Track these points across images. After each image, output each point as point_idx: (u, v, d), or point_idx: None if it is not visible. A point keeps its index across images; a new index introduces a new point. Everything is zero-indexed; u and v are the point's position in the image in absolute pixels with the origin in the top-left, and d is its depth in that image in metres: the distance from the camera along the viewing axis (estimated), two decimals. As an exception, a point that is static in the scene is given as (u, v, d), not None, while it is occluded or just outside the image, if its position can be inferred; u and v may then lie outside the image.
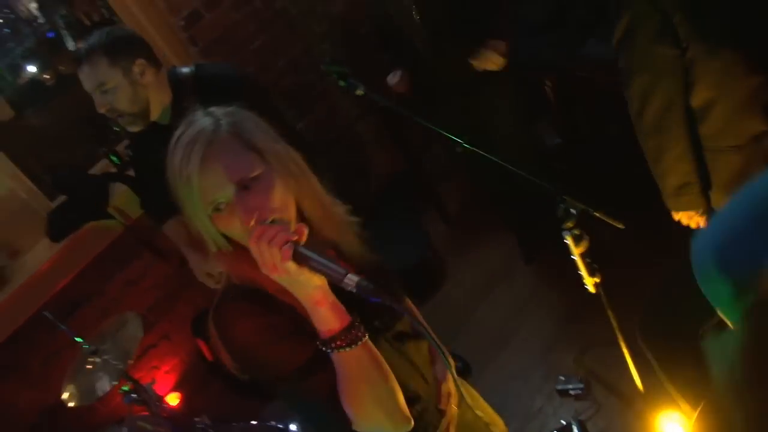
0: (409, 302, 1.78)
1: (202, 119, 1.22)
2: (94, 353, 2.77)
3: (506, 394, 2.97)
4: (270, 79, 3.75)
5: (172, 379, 3.82)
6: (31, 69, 6.28)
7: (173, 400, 3.62)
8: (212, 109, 1.26)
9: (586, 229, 1.96)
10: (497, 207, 3.61)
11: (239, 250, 1.22)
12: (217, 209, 1.18)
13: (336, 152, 4.12)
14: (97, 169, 3.70)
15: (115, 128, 3.73)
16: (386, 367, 1.24)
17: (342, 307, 1.18)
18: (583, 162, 3.29)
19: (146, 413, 3.14)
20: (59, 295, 3.37)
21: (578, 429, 2.63)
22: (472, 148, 1.96)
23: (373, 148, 4.27)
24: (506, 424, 2.78)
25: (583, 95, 2.63)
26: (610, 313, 2.18)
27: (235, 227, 1.19)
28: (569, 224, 1.97)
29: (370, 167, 4.28)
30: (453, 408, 1.70)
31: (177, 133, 1.21)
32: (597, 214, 1.97)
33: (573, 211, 1.96)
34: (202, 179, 1.15)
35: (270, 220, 1.16)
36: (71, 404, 2.71)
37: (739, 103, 1.81)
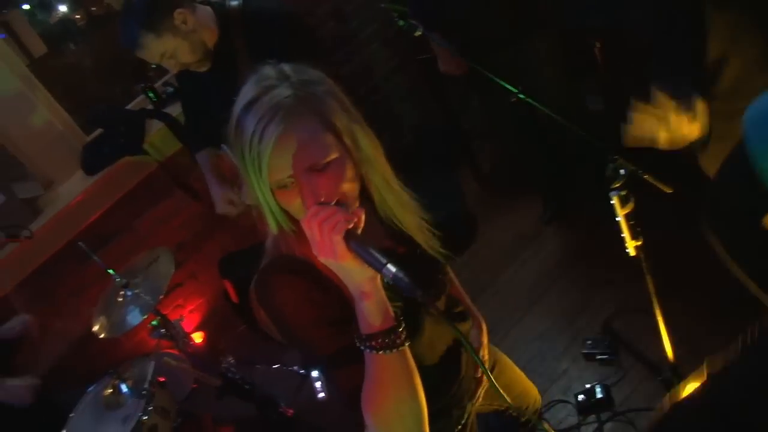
0: (453, 278, 1.81)
1: (279, 87, 1.11)
2: (126, 286, 2.78)
3: (532, 354, 2.97)
4: (311, 24, 3.70)
5: (196, 318, 3.86)
6: (62, 8, 6.26)
7: (197, 338, 3.67)
8: (287, 70, 1.14)
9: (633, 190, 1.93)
10: (530, 165, 3.57)
11: (298, 227, 1.16)
12: (282, 186, 1.12)
13: (372, 103, 4.08)
14: (134, 106, 3.70)
15: (152, 65, 3.73)
16: (418, 382, 1.17)
17: (389, 308, 1.12)
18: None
19: (173, 350, 3.18)
20: (90, 229, 3.40)
21: (603, 393, 2.63)
22: (526, 99, 1.91)
23: (410, 101, 4.23)
24: (531, 382, 2.82)
25: (632, 59, 2.56)
26: (648, 277, 2.15)
27: (295, 204, 1.14)
28: (617, 184, 1.93)
29: (405, 120, 4.24)
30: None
31: (249, 94, 1.12)
32: (646, 177, 1.93)
33: (622, 171, 1.92)
34: (272, 159, 1.08)
35: (337, 203, 1.11)
36: (101, 335, 2.74)
37: (751, 59, 1.74)
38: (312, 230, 1.05)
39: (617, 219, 2.01)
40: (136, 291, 2.78)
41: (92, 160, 3.42)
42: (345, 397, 1.20)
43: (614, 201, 1.98)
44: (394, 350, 1.11)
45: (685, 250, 2.82)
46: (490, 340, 1.78)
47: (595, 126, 3.37)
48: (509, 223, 3.65)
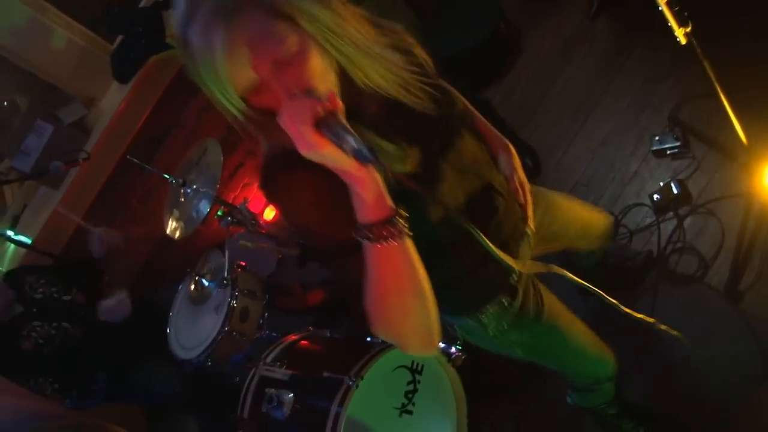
0: (471, 112, 1.66)
1: None
2: (183, 185, 2.83)
3: (600, 161, 2.86)
4: None
5: (266, 193, 3.93)
6: None
7: (270, 213, 3.75)
8: None
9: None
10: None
11: None
12: (252, 91, 1.04)
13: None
14: (146, 2, 3.59)
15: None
16: (423, 277, 1.10)
17: (385, 196, 1.04)
18: None
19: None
20: (141, 134, 3.44)
21: (678, 188, 2.53)
22: None
23: None
24: (602, 191, 2.75)
25: None
26: (705, 62, 1.97)
27: (276, 103, 1.04)
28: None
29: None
30: (529, 196, 1.64)
31: (183, 8, 1.02)
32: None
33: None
34: (230, 68, 1.00)
35: (308, 91, 1.03)
36: (177, 236, 2.84)
37: None
38: (287, 127, 0.99)
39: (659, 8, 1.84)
40: (195, 186, 2.83)
41: (122, 68, 3.40)
42: (354, 289, 1.13)
43: (653, -12, 1.79)
44: (390, 240, 1.04)
45: (741, 24, 2.59)
46: (542, 182, 1.68)
47: None
48: (554, 27, 3.39)
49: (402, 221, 1.05)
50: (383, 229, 1.03)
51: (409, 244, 1.07)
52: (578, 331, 1.74)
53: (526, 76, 3.38)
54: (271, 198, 1.19)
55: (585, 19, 3.26)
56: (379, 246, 1.04)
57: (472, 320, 1.53)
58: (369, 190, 1.02)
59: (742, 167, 2.37)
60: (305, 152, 0.99)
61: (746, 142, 2.23)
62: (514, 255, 1.52)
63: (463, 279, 1.41)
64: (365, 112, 1.15)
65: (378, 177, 1.03)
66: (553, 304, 1.66)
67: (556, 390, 2.44)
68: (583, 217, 1.95)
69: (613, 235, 2.60)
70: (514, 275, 1.53)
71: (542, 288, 1.65)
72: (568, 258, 2.22)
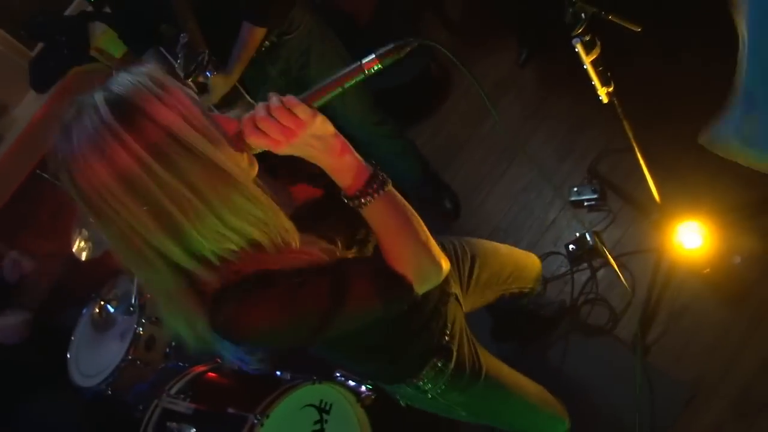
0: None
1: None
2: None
3: (519, 207, 2.90)
4: None
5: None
6: None
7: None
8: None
9: (598, 33, 1.77)
10: (500, 6, 3.34)
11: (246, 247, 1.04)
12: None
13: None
14: (72, 11, 3.47)
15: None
16: (408, 204, 1.18)
17: (360, 159, 1.12)
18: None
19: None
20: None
21: (592, 239, 2.58)
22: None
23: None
24: (521, 237, 2.79)
25: None
26: (625, 123, 2.04)
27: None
28: (579, 30, 1.78)
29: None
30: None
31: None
32: (611, 18, 1.77)
33: (583, 15, 1.76)
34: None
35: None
36: (83, 256, 2.72)
37: None
38: (266, 126, 0.99)
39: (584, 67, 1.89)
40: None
41: (40, 77, 3.26)
42: (375, 299, 1.17)
43: (578, 48, 1.84)
44: (389, 184, 1.13)
45: (660, 83, 2.70)
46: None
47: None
48: (484, 70, 3.43)
49: (381, 171, 1.13)
50: (372, 185, 1.11)
51: (391, 185, 1.15)
52: (524, 388, 1.74)
53: (453, 117, 3.42)
54: (243, 335, 1.10)
55: (515, 65, 3.32)
56: (375, 201, 1.11)
57: (410, 387, 1.52)
58: (351, 154, 1.10)
59: (654, 224, 2.45)
60: (293, 139, 1.00)
61: (659, 200, 2.30)
62: (444, 318, 1.51)
63: (406, 345, 1.42)
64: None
65: (348, 145, 1.10)
66: (491, 361, 1.66)
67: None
68: (514, 258, 1.96)
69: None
70: (446, 334, 1.52)
71: (479, 346, 1.64)
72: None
